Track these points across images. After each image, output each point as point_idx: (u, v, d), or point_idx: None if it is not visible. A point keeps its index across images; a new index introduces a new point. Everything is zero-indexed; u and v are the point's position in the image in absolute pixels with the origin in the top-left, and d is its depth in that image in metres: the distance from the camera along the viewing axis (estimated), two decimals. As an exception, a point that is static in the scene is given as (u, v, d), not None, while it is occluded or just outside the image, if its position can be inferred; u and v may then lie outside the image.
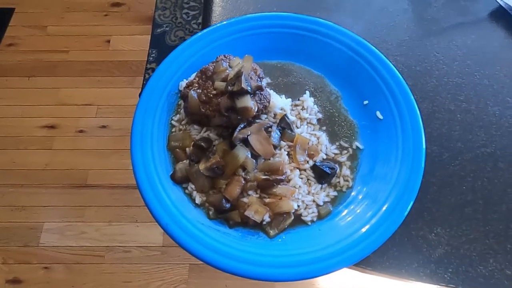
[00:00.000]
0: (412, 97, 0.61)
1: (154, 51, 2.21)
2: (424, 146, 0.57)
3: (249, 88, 0.55)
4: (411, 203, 0.54)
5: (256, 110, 0.57)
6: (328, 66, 0.67)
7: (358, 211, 0.55)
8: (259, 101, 0.58)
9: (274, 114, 0.62)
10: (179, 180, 0.58)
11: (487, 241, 0.57)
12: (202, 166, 0.56)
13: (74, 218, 1.57)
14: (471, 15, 0.76)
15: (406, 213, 0.53)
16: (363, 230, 0.52)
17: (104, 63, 2.06)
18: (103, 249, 1.50)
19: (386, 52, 0.65)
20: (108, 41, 2.13)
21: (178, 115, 0.63)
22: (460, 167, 0.62)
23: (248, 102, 0.55)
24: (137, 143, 0.59)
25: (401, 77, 0.62)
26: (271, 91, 0.63)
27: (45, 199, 1.61)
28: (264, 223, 0.56)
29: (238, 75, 0.55)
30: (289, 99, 0.64)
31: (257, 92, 0.58)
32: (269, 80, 0.67)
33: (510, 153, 0.63)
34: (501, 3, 0.74)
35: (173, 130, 0.62)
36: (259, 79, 0.60)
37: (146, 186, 0.56)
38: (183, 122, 0.62)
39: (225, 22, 0.69)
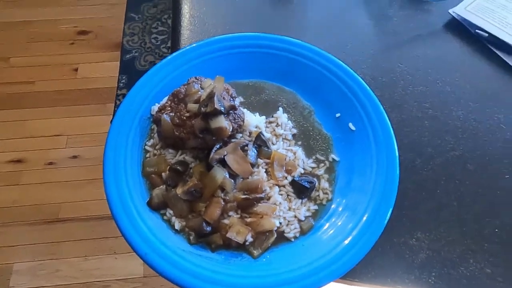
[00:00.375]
0: (382, 107, 0.63)
1: (124, 77, 2.19)
2: (397, 154, 0.59)
3: (222, 108, 0.55)
4: (390, 211, 0.54)
5: (231, 130, 0.56)
6: (299, 82, 0.69)
7: (340, 223, 0.56)
8: (233, 121, 0.58)
9: (249, 133, 0.62)
10: (157, 207, 0.56)
11: (465, 241, 0.58)
12: (179, 190, 0.54)
13: (47, 256, 1.48)
14: (428, 27, 0.80)
15: (385, 221, 0.54)
16: (346, 242, 0.52)
17: (73, 92, 2.01)
18: (80, 286, 1.42)
19: (353, 66, 0.67)
20: (76, 70, 2.09)
21: (151, 140, 0.62)
22: (433, 172, 0.64)
23: (222, 122, 0.55)
24: (110, 171, 0.57)
25: (369, 88, 0.64)
26: (245, 110, 0.64)
27: (14, 238, 1.52)
28: (247, 243, 0.55)
29: (211, 96, 0.55)
30: (263, 117, 0.65)
31: (231, 111, 0.58)
32: (241, 99, 0.68)
33: (477, 154, 0.65)
34: (454, 15, 0.79)
35: (147, 155, 0.61)
36: (232, 99, 0.60)
37: (122, 215, 0.54)
38: (157, 147, 0.61)
39: (194, 45, 0.69)
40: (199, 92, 0.59)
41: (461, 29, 0.78)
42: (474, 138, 0.67)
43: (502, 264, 0.57)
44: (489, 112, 0.70)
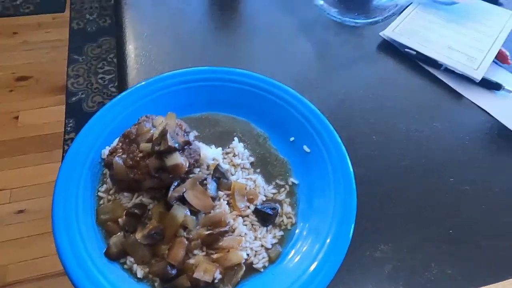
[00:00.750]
0: (332, 127, 0.65)
1: (71, 121, 2.09)
2: (352, 171, 0.61)
3: (177, 144, 0.55)
4: (352, 228, 0.56)
5: (187, 166, 0.56)
6: (251, 110, 0.70)
7: (306, 247, 0.56)
8: (189, 156, 0.57)
9: (207, 166, 0.62)
10: (115, 256, 0.53)
11: (424, 246, 0.61)
12: (139, 235, 0.52)
13: (-7, 329, 1.32)
14: (363, 49, 0.86)
15: (349, 239, 0.55)
16: (314, 266, 0.52)
17: (14, 142, 1.88)
18: None
19: (300, 91, 0.70)
20: (17, 118, 1.97)
21: (104, 185, 0.59)
22: (386, 183, 0.67)
23: (178, 159, 0.54)
24: (60, 223, 0.53)
25: (318, 111, 0.67)
26: (200, 144, 0.63)
27: (-48, 314, 1.34)
28: (216, 281, 0.53)
29: (163, 134, 0.54)
30: (219, 148, 0.65)
31: (186, 147, 0.57)
32: (196, 133, 0.67)
33: (423, 162, 0.70)
34: (384, 37, 0.86)
35: (101, 202, 0.58)
36: (185, 134, 0.60)
37: (76, 269, 0.50)
38: (111, 192, 0.58)
39: (143, 83, 0.69)
40: (151, 131, 0.58)
41: (392, 49, 0.85)
42: (418, 147, 0.72)
43: (460, 263, 0.60)
44: (428, 122, 0.75)
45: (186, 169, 0.55)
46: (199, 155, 0.59)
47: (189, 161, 0.57)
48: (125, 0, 0.88)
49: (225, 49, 0.84)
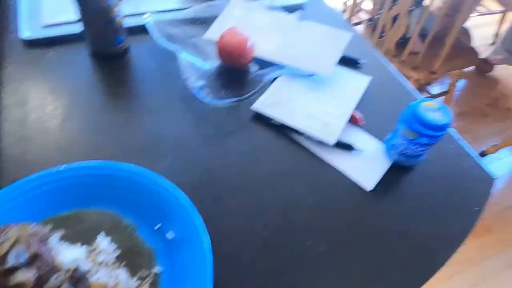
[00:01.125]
0: (193, 210, 0.70)
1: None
2: (209, 253, 0.65)
3: (22, 260, 0.56)
4: (204, 313, 0.59)
5: (36, 277, 0.57)
6: (118, 202, 0.73)
7: None
8: (42, 266, 0.59)
9: (67, 270, 0.63)
10: None
11: (283, 315, 0.66)
12: None
13: None
14: (238, 123, 0.94)
15: (201, 325, 0.58)
16: None
17: None
18: None
19: (172, 173, 0.75)
20: None
21: (-49, 311, 0.58)
22: (251, 257, 0.72)
23: (23, 276, 0.55)
24: None
25: (182, 193, 0.71)
26: (64, 245, 0.65)
27: None
28: None
29: (6, 253, 0.55)
30: (83, 248, 0.67)
31: (37, 258, 0.59)
32: (63, 233, 0.69)
33: (284, 229, 0.76)
34: (254, 110, 0.95)
35: None
36: (41, 243, 0.61)
37: None
38: (-43, 317, 0.57)
39: (5, 188, 0.70)
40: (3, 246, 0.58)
41: (263, 120, 0.94)
42: (281, 215, 0.79)
43: (315, 327, 0.65)
44: (292, 188, 0.83)
45: (33, 284, 0.56)
46: (53, 262, 0.61)
47: (39, 273, 0.58)
48: None
49: (104, 139, 0.87)
